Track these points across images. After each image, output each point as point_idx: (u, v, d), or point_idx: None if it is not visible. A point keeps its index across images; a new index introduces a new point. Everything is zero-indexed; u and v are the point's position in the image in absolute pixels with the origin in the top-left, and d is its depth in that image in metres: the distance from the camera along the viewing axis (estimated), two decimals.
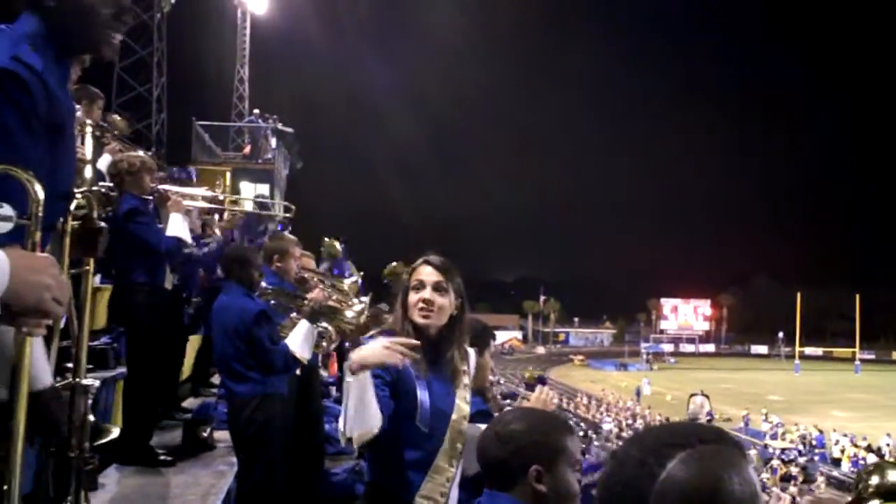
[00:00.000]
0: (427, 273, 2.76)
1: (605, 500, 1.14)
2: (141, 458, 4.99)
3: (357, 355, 2.45)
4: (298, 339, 4.63)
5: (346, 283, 5.90)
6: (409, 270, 2.82)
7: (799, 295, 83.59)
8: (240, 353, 4.59)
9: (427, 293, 2.72)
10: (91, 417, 3.03)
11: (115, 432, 3.20)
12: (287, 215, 6.71)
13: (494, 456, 2.08)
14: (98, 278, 6.45)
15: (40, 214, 1.70)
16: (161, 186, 5.28)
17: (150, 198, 5.13)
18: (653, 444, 1.12)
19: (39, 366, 1.93)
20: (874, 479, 3.24)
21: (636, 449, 1.13)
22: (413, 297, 2.74)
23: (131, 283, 5.08)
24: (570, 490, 2.06)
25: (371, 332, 2.78)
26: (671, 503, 1.06)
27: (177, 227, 5.15)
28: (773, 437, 32.97)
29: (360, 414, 2.44)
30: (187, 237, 5.24)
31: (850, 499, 3.35)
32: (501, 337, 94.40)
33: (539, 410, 2.45)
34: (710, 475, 1.07)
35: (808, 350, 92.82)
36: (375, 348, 2.47)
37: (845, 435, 31.44)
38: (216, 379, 7.81)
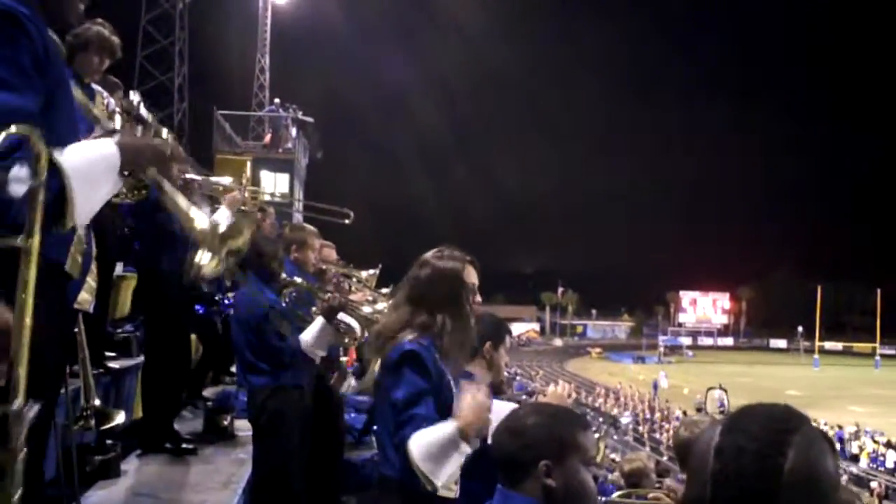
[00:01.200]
0: (475, 276, 2.85)
1: (722, 498, 1.11)
2: (163, 444, 5.06)
3: (474, 426, 2.47)
4: (311, 336, 4.61)
5: (364, 274, 5.91)
6: (456, 271, 2.82)
7: (819, 289, 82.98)
8: (251, 344, 4.65)
9: (478, 296, 2.84)
10: (97, 402, 3.11)
11: (121, 417, 3.28)
12: (346, 221, 6.25)
13: (505, 451, 2.07)
14: (120, 267, 6.54)
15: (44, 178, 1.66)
16: (186, 175, 5.31)
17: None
18: (763, 432, 1.12)
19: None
20: None
21: (745, 439, 1.12)
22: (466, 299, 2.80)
23: (156, 271, 5.14)
24: (584, 487, 2.03)
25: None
26: (801, 492, 1.07)
27: (221, 219, 5.16)
28: None
29: (453, 475, 2.52)
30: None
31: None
32: (519, 328, 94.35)
33: (552, 405, 2.43)
34: (825, 457, 1.11)
35: (828, 345, 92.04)
36: (480, 414, 2.50)
37: (867, 432, 31.21)
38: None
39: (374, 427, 3.06)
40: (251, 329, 4.63)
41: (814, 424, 1.16)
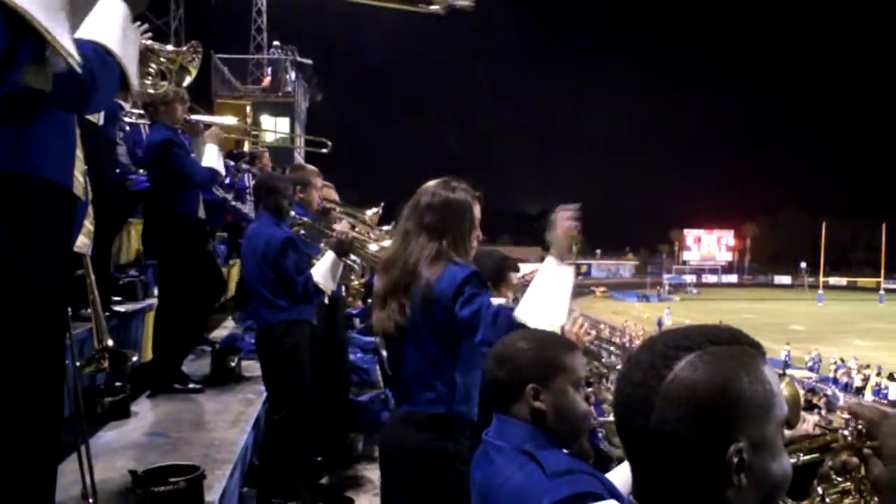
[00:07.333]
0: (479, 211, 2.91)
1: (616, 402, 1.15)
2: (172, 385, 5.11)
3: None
4: (322, 270, 4.65)
5: (368, 213, 5.90)
6: (468, 204, 2.87)
7: (824, 224, 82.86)
8: (266, 279, 4.60)
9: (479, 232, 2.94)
10: (110, 342, 3.12)
11: (135, 358, 3.30)
12: (324, 150, 6.43)
13: (494, 377, 2.07)
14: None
15: None
16: (192, 117, 5.29)
17: (180, 129, 5.18)
18: (662, 347, 1.11)
19: None
20: None
21: (647, 352, 1.13)
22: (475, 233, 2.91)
23: (167, 213, 5.15)
24: (574, 408, 2.01)
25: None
26: (676, 404, 1.05)
27: (212, 158, 5.20)
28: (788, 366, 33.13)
29: (550, 303, 2.65)
30: (221, 169, 5.33)
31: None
32: (524, 269, 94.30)
33: (541, 331, 2.38)
34: (718, 375, 1.05)
35: (833, 280, 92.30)
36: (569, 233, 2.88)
37: (867, 366, 31.49)
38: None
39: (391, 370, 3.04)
40: (269, 264, 4.58)
41: (745, 349, 1.10)
